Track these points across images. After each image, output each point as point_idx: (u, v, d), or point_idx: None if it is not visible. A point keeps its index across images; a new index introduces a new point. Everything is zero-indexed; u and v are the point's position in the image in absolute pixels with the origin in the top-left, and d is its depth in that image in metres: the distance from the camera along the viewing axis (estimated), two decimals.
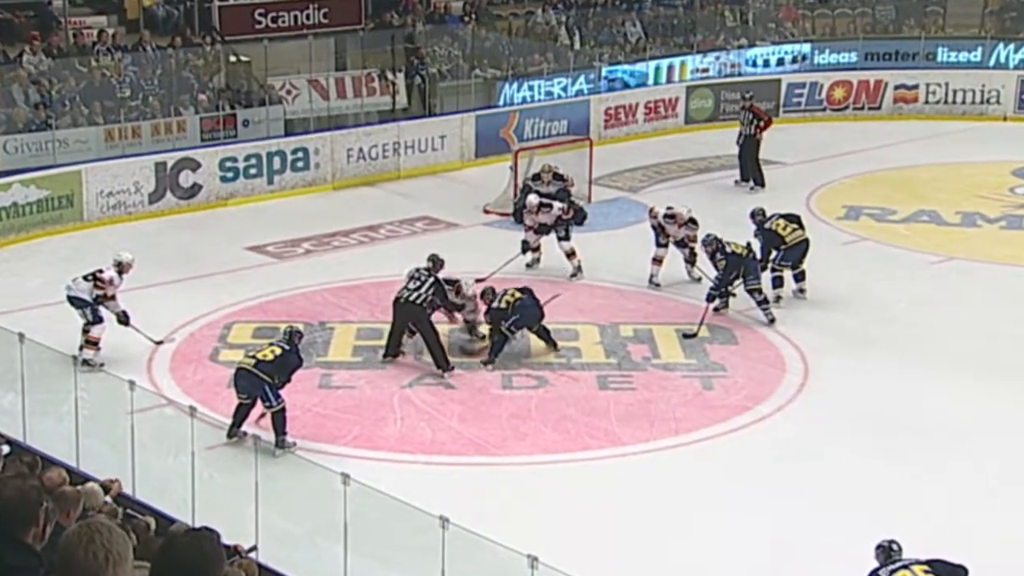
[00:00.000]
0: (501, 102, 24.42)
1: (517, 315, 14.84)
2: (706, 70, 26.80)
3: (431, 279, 14.79)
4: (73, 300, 14.64)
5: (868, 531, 11.50)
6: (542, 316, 15.11)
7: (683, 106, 26.20)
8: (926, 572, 9.24)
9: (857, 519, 11.48)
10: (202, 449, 11.18)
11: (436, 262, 15.13)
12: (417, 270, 14.98)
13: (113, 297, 14.67)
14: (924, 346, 15.60)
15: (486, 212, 20.71)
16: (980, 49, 27.45)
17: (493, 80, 24.71)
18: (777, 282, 16.73)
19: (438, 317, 15.12)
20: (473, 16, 26.03)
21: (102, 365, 14.28)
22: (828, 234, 19.80)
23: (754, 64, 27.28)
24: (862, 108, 27.06)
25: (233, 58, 23.10)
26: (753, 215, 17.19)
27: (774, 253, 16.73)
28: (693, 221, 17.22)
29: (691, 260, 17.37)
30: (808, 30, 28.22)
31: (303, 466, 10.86)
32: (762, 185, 21.96)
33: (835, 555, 10.99)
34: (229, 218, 20.51)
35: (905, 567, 9.26)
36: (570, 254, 17.80)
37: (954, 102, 27.05)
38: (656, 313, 16.62)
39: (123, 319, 14.74)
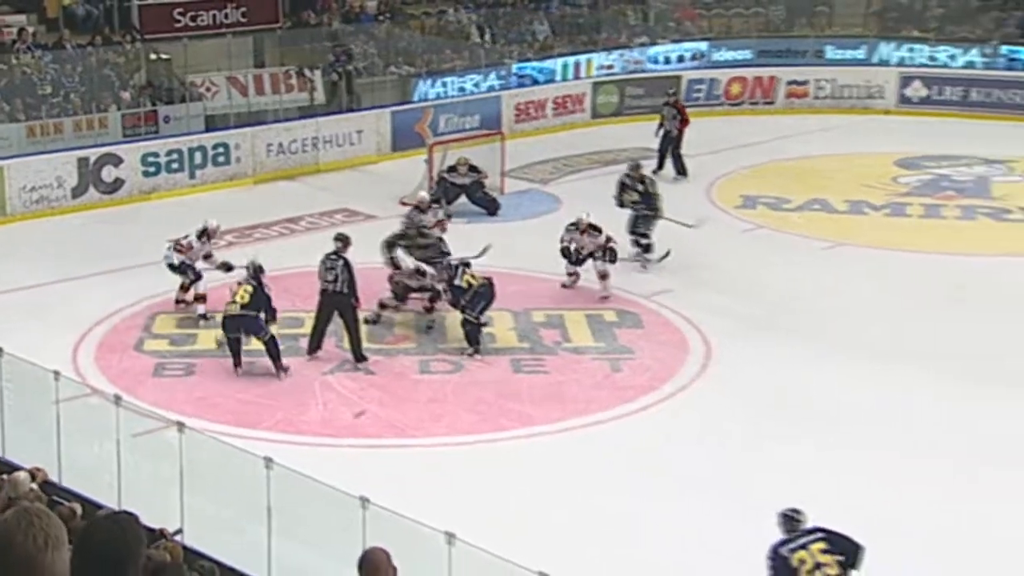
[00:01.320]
0: (416, 98, 24.21)
1: (483, 302, 14.71)
2: (611, 67, 26.75)
3: (341, 261, 14.51)
4: (170, 267, 15.81)
5: (764, 508, 11.50)
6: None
7: (590, 101, 26.17)
8: (823, 551, 9.04)
9: (754, 496, 11.45)
10: (127, 437, 10.87)
11: (343, 241, 14.79)
12: (327, 257, 14.66)
13: (208, 256, 15.98)
14: (817, 328, 15.59)
15: (402, 204, 20.42)
16: (864, 47, 27.70)
17: (408, 77, 24.52)
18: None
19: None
20: (388, 15, 25.85)
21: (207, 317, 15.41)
22: (727, 222, 19.94)
23: (656, 61, 27.28)
24: (757, 103, 27.23)
25: (153, 56, 22.72)
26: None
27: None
28: (594, 227, 16.62)
29: (612, 260, 16.62)
30: (706, 29, 28.31)
31: (227, 451, 10.60)
32: (684, 175, 22.04)
33: (734, 529, 10.95)
34: (151, 212, 20.12)
35: (803, 547, 9.02)
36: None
37: (841, 97, 27.28)
38: (567, 299, 16.54)
39: (227, 267, 15.93)
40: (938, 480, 12.02)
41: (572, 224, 16.73)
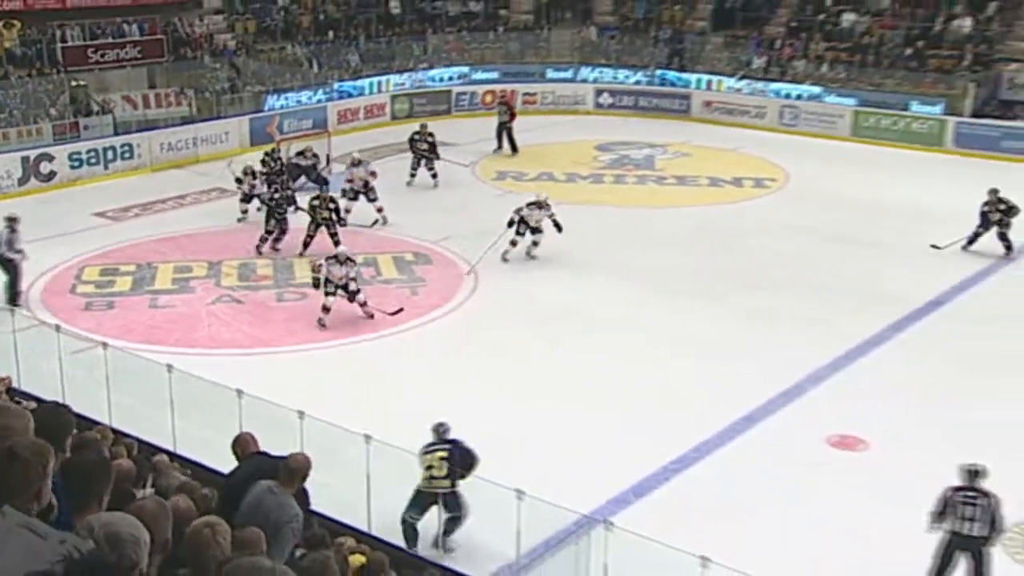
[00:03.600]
0: (267, 108, 23.45)
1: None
2: (403, 84, 26.43)
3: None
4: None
5: (529, 388, 11.75)
6: None
7: (389, 108, 25.81)
8: (442, 459, 8.33)
9: (507, 380, 11.66)
10: (67, 354, 10.41)
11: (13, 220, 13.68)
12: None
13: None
14: (551, 260, 15.78)
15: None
16: (571, 70, 27.90)
17: (260, 93, 23.76)
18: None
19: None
20: (244, 50, 24.99)
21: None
22: (486, 190, 19.99)
23: (434, 80, 27.04)
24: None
25: (74, 83, 21.54)
26: None
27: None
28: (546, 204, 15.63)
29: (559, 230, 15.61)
30: (467, 57, 28.16)
31: (141, 361, 10.23)
32: (515, 151, 22.46)
33: (499, 409, 11.13)
34: (78, 195, 19.09)
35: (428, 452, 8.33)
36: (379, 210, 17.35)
37: (558, 103, 27.50)
38: (379, 247, 16.36)
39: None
40: (642, 355, 12.41)
41: (533, 202, 15.55)
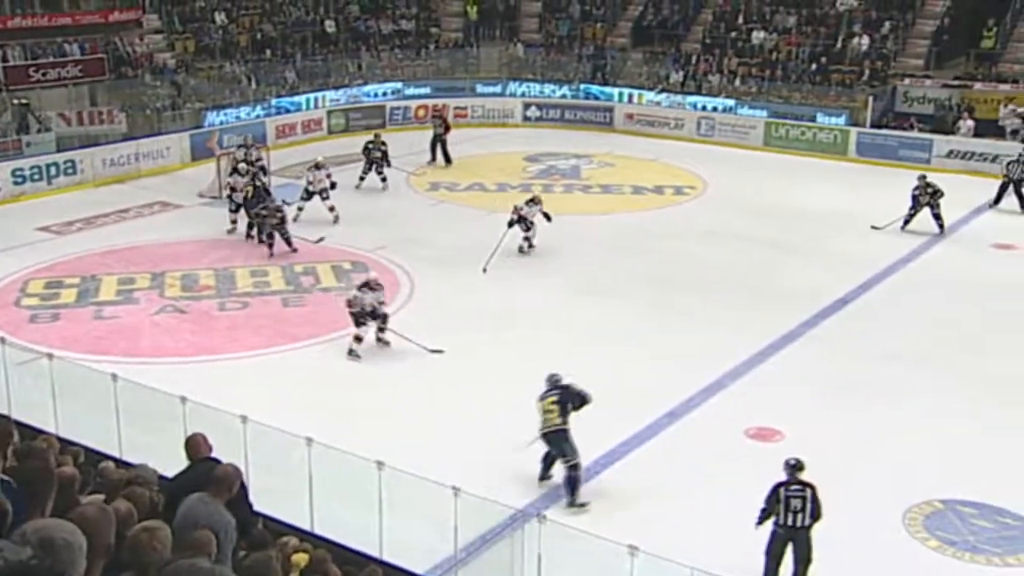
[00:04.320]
0: (207, 124, 23.04)
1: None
2: (339, 100, 26.21)
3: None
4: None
5: (462, 388, 11.73)
6: None
7: (326, 123, 25.55)
8: (553, 403, 9.15)
9: (451, 375, 11.64)
10: (13, 364, 10.11)
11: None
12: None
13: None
14: (480, 263, 15.88)
15: (200, 196, 19.73)
16: (500, 85, 27.92)
17: (200, 110, 23.36)
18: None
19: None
20: (184, 68, 24.55)
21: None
22: (421, 201, 19.94)
23: (368, 95, 26.85)
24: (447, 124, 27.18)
25: (16, 101, 20.94)
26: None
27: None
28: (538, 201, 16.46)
29: (548, 220, 16.34)
30: (400, 74, 28.04)
31: (86, 371, 9.98)
32: (449, 162, 22.42)
33: (445, 401, 11.07)
34: (21, 210, 18.55)
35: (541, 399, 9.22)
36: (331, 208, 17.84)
37: (488, 117, 27.52)
38: (318, 256, 16.19)
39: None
40: (568, 353, 12.45)
41: (530, 200, 16.41)
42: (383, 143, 20.63)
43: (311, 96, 25.66)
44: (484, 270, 15.34)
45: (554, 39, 29.39)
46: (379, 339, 12.52)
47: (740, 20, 27.75)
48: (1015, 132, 22.33)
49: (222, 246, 16.01)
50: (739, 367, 11.93)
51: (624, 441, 10.20)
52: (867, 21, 26.25)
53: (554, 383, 9.42)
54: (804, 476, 7.94)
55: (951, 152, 22.42)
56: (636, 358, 12.30)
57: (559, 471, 9.30)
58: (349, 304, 12.48)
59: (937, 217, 17.53)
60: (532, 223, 16.26)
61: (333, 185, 17.99)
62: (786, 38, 26.80)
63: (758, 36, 27.01)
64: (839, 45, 25.99)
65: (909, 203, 17.65)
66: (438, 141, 22.84)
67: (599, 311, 13.93)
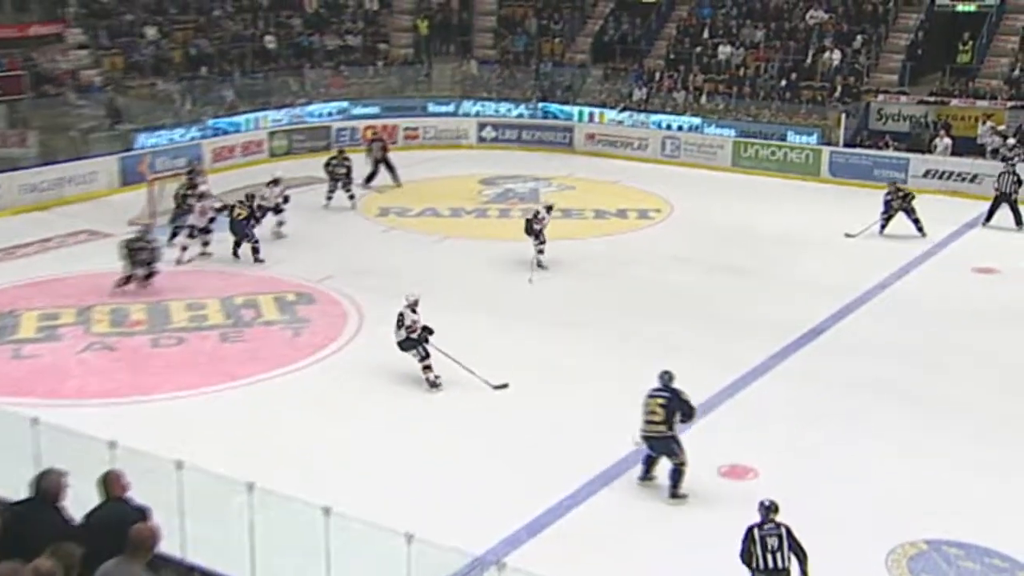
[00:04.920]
0: (138, 146, 22.90)
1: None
2: (281, 120, 26.22)
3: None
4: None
5: (414, 428, 11.70)
6: None
7: (267, 145, 25.54)
8: (660, 406, 9.82)
9: (402, 415, 11.61)
10: None
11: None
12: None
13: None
14: (433, 293, 15.78)
15: (131, 223, 19.50)
16: (453, 104, 28.12)
17: (129, 131, 23.20)
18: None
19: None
20: (111, 86, 24.40)
21: None
22: (369, 226, 19.96)
23: (313, 115, 26.88)
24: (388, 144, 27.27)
25: None
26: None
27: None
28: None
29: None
30: (347, 92, 28.11)
31: (2, 415, 9.81)
32: (399, 184, 22.88)
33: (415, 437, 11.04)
34: None
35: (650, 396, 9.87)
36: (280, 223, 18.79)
37: (441, 138, 27.65)
38: (260, 287, 16.13)
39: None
40: (528, 390, 12.51)
41: (547, 207, 17.43)
42: (347, 158, 21.21)
43: (251, 116, 25.63)
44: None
45: (510, 55, 29.68)
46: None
47: (706, 34, 28.22)
48: (995, 151, 22.77)
49: (155, 278, 15.85)
50: (710, 401, 12.03)
51: (589, 480, 10.23)
52: (838, 35, 26.82)
53: (665, 383, 9.96)
54: (778, 518, 8.07)
55: (928, 172, 22.90)
56: (601, 392, 12.35)
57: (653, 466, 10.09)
58: (410, 330, 12.30)
59: (916, 221, 18.94)
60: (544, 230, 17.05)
61: (286, 199, 18.71)
62: (754, 53, 27.29)
63: (725, 51, 27.48)
64: (810, 60, 26.52)
65: (882, 208, 19.11)
66: (383, 163, 23.05)
67: (560, 343, 14.00)
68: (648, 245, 18.86)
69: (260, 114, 25.84)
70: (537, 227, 16.98)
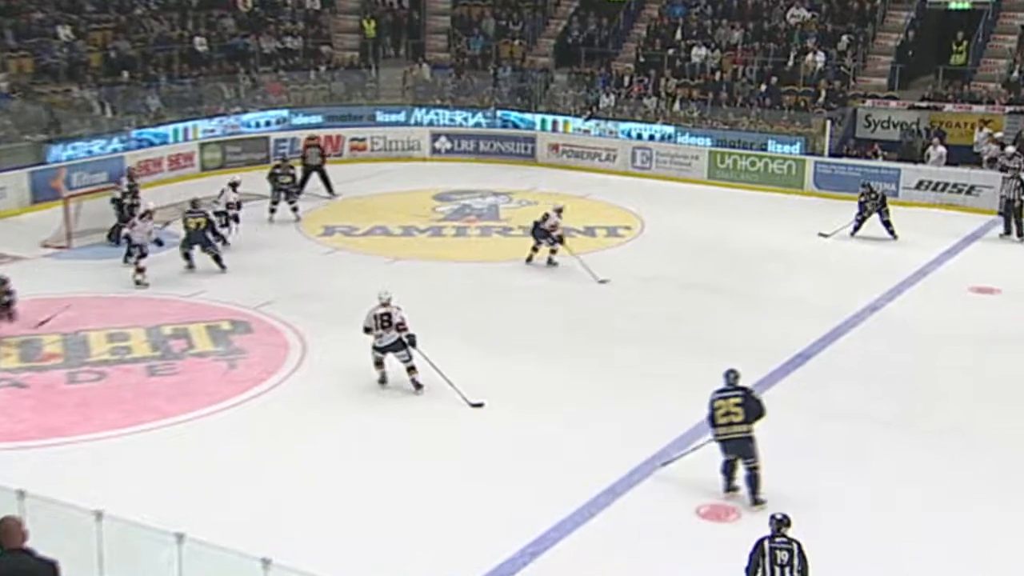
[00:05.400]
0: (51, 160, 22.69)
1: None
2: (213, 130, 26.13)
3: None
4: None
5: (363, 470, 11.66)
6: None
7: (198, 158, 25.43)
8: (737, 405, 10.56)
9: (374, 447, 11.57)
10: None
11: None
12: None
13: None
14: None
15: (44, 246, 19.38)
16: (404, 112, 28.20)
17: (41, 143, 22.99)
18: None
19: None
20: (20, 92, 24.17)
21: None
22: (312, 247, 19.90)
23: (249, 125, 26.80)
24: (329, 155, 27.17)
25: None
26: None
27: None
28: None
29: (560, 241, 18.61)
30: (287, 100, 28.07)
31: None
32: (332, 195, 23.55)
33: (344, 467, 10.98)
34: None
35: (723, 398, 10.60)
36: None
37: (391, 149, 27.70)
38: (191, 315, 16.00)
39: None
40: (485, 422, 12.48)
41: (557, 209, 18.80)
42: (291, 167, 21.75)
43: (179, 126, 25.54)
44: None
45: (465, 59, 29.81)
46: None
47: (678, 35, 28.54)
48: (992, 160, 22.97)
49: (71, 305, 15.70)
50: (688, 434, 12.07)
51: (555, 525, 10.22)
52: (822, 35, 27.22)
53: (732, 382, 10.71)
54: (790, 533, 8.41)
55: (921, 183, 23.23)
56: (568, 425, 12.37)
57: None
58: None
59: (887, 224, 20.33)
60: (554, 235, 18.42)
61: (239, 205, 19.73)
62: (731, 55, 27.63)
63: (699, 53, 27.80)
64: (791, 63, 26.88)
65: (856, 210, 20.46)
66: (318, 172, 23.59)
67: (523, 372, 14.01)
68: (619, 265, 18.94)
69: (190, 124, 25.74)
70: (546, 227, 18.44)
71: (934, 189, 23.20)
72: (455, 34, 30.71)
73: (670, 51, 28.19)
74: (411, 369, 13.14)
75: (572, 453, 11.69)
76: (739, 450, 10.58)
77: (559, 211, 18.74)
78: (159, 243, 17.76)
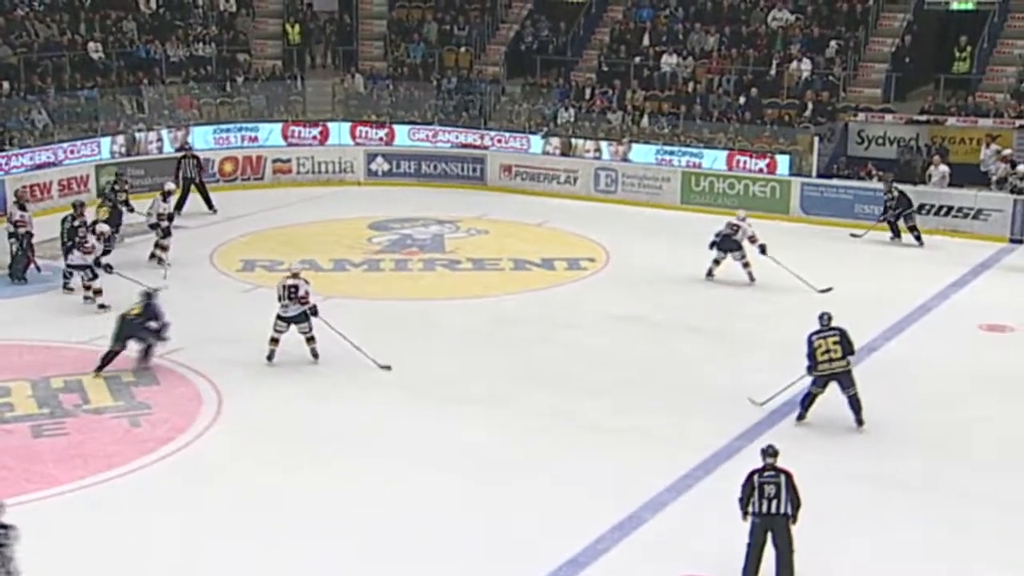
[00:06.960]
0: None
1: None
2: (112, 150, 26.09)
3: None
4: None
5: (289, 536, 11.57)
6: None
7: (94, 181, 25.35)
8: (836, 343, 13.65)
9: (272, 520, 11.46)
10: None
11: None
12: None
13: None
14: (310, 367, 15.86)
15: None
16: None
17: None
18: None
19: None
20: None
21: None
22: (229, 284, 19.84)
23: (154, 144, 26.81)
24: (248, 179, 27.35)
25: None
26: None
27: None
28: None
29: None
30: (197, 116, 28.03)
31: None
32: (213, 210, 24.54)
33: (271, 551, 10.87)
34: None
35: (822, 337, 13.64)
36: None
37: (319, 172, 27.75)
38: (83, 365, 15.79)
39: None
40: (424, 485, 12.44)
41: (740, 218, 19.79)
42: (126, 181, 22.64)
43: (71, 145, 25.47)
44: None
45: (404, 68, 29.93)
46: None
47: (646, 41, 28.83)
48: (1002, 181, 23.32)
49: None
50: (661, 496, 12.09)
51: None
52: (808, 41, 27.58)
53: (826, 323, 13.76)
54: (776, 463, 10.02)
55: (922, 207, 23.42)
56: (527, 488, 12.34)
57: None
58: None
59: (913, 228, 22.00)
60: (742, 248, 19.70)
61: (171, 217, 21.02)
62: (706, 64, 27.95)
63: (669, 62, 28.10)
64: (774, 72, 27.22)
65: (880, 213, 22.62)
66: (196, 185, 24.36)
67: (463, 426, 13.98)
68: (581, 302, 19.01)
69: (84, 143, 25.66)
70: (738, 239, 19.66)
71: (936, 213, 23.46)
72: (392, 40, 30.87)
73: (636, 59, 28.46)
74: (310, 339, 15.79)
75: (529, 519, 11.63)
76: (839, 381, 13.59)
77: (743, 218, 19.83)
78: (39, 270, 19.01)
